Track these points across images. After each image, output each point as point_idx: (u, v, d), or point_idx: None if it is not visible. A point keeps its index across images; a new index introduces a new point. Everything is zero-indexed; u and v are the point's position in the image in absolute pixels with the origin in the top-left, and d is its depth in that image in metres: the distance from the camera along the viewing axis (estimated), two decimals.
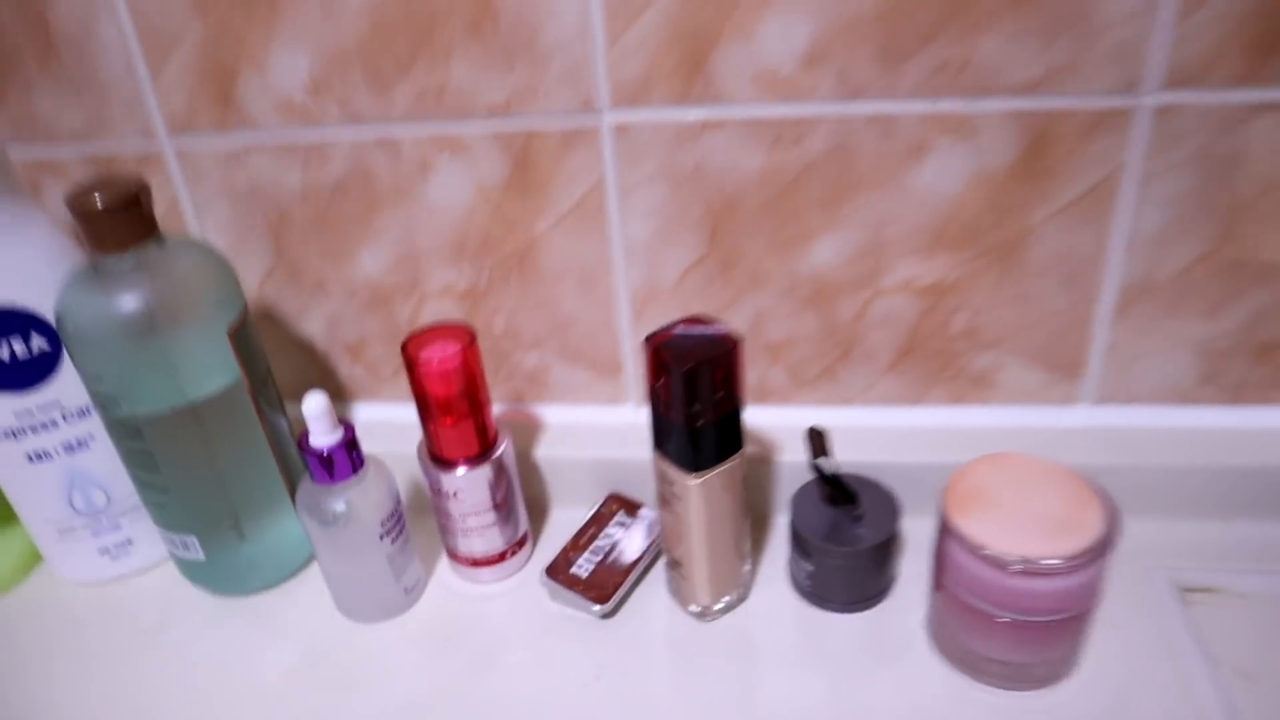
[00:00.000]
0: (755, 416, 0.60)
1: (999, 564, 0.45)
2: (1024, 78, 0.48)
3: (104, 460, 0.57)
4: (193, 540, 0.55)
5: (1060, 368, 0.57)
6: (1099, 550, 0.45)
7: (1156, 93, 0.48)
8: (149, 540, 0.60)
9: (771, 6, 0.48)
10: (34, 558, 0.63)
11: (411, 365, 0.51)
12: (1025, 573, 0.45)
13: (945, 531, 0.47)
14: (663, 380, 0.46)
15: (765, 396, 0.61)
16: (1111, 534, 0.45)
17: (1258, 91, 0.47)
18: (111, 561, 0.60)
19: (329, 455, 0.50)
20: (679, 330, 0.47)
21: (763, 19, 0.48)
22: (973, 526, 0.46)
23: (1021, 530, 0.45)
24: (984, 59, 0.48)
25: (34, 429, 0.55)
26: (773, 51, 0.49)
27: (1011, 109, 0.49)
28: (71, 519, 0.58)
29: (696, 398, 0.46)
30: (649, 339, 0.47)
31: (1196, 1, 0.46)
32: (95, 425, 0.56)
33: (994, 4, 0.47)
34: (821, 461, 0.51)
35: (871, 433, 0.58)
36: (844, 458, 0.55)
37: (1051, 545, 0.44)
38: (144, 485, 0.54)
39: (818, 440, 0.52)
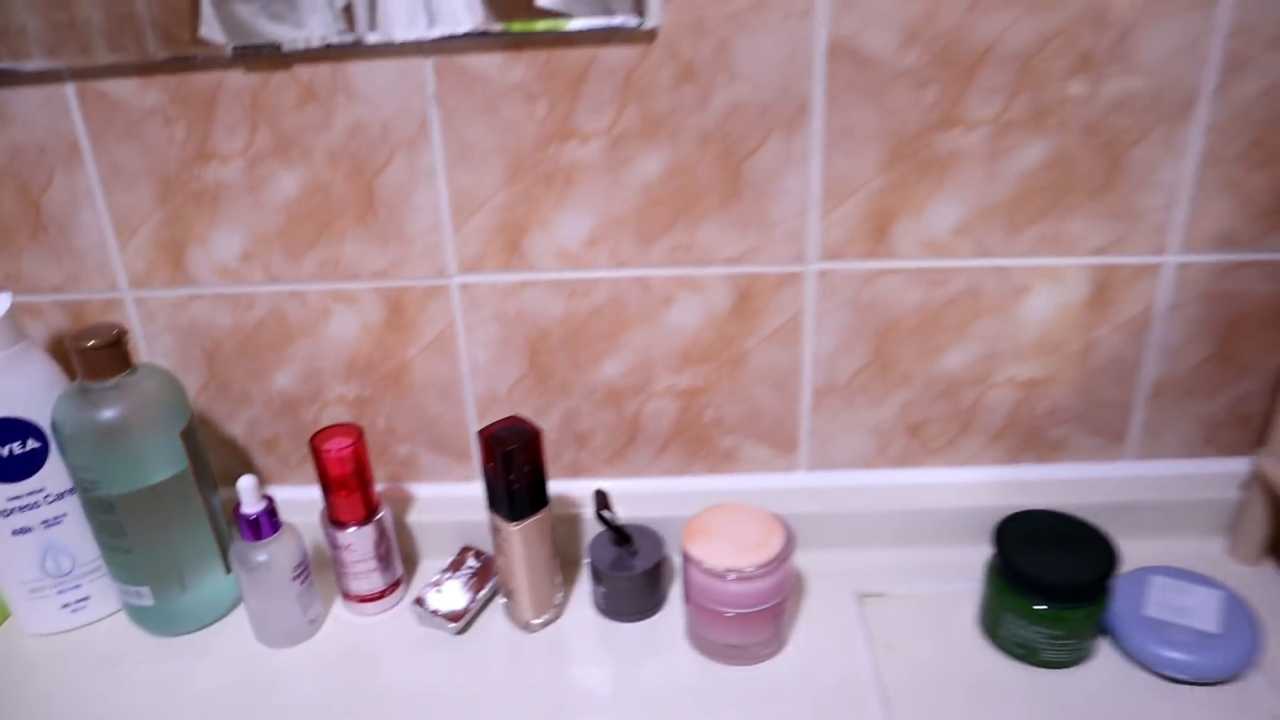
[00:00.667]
0: (570, 487, 0.82)
1: (716, 574, 0.68)
2: (730, 254, 0.74)
3: (73, 532, 0.75)
4: (145, 590, 0.74)
5: (781, 445, 0.82)
6: (780, 559, 0.68)
7: (816, 262, 0.74)
8: (102, 597, 0.78)
9: (563, 208, 0.73)
10: (1, 616, 0.79)
11: (316, 453, 0.72)
12: (735, 579, 0.68)
13: (685, 558, 0.70)
14: (491, 460, 0.69)
15: (577, 471, 0.84)
16: (788, 549, 0.69)
17: (876, 262, 0.74)
18: (71, 614, 0.78)
19: (256, 519, 0.70)
20: (501, 427, 0.70)
21: (558, 216, 0.73)
22: (699, 550, 0.69)
23: (730, 550, 0.69)
24: (704, 242, 0.74)
25: (21, 509, 0.73)
26: (565, 236, 0.74)
27: (725, 273, 0.75)
28: (42, 581, 0.76)
29: (512, 470, 0.68)
30: (481, 432, 0.69)
31: (834, 204, 0.72)
32: (69, 505, 0.74)
33: (706, 207, 0.72)
34: (604, 513, 0.74)
35: (653, 496, 0.81)
36: (632, 513, 0.78)
37: (748, 558, 0.68)
38: (110, 549, 0.73)
39: (601, 498, 0.75)
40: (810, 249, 0.74)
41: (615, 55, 0.68)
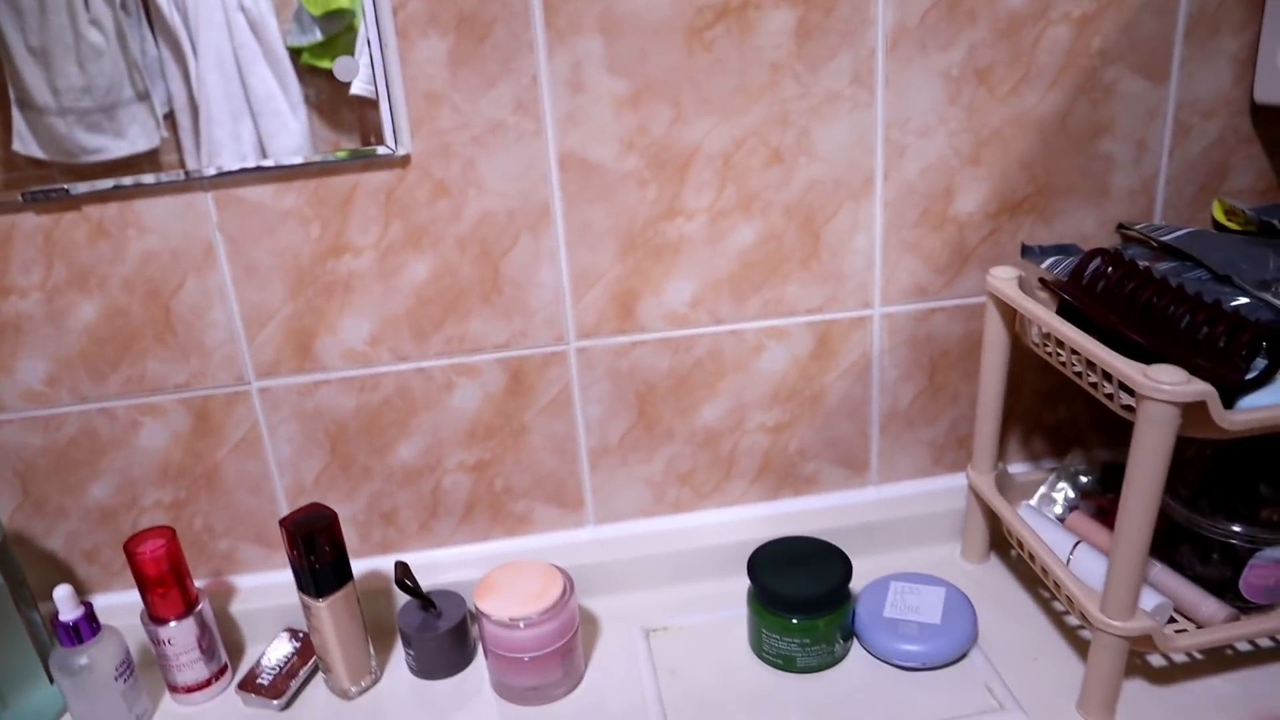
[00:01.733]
0: (382, 563, 0.90)
1: (505, 624, 0.77)
2: (499, 340, 0.84)
3: None
4: None
5: (568, 505, 0.92)
6: (561, 604, 0.78)
7: (575, 341, 0.85)
8: None
9: (344, 314, 0.82)
10: None
11: (131, 556, 0.78)
12: (524, 626, 0.77)
13: (479, 613, 0.79)
14: (293, 544, 0.76)
15: (388, 548, 0.91)
16: (567, 594, 0.78)
17: (627, 336, 0.86)
18: None
19: (74, 624, 0.75)
20: (300, 514, 0.78)
21: (341, 322, 0.82)
22: (489, 605, 0.78)
23: (515, 601, 0.78)
24: (474, 332, 0.84)
25: None
26: (349, 339, 0.83)
27: (495, 358, 0.85)
28: None
29: (312, 551, 0.76)
30: (281, 521, 0.77)
31: (583, 291, 0.83)
32: None
33: (472, 301, 0.83)
34: (405, 581, 0.82)
35: (460, 562, 0.90)
36: (440, 579, 0.86)
37: (531, 606, 0.77)
38: None
39: (401, 568, 0.83)
40: (568, 330, 0.85)
41: (376, 179, 0.79)
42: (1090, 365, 0.69)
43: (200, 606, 0.81)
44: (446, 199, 0.80)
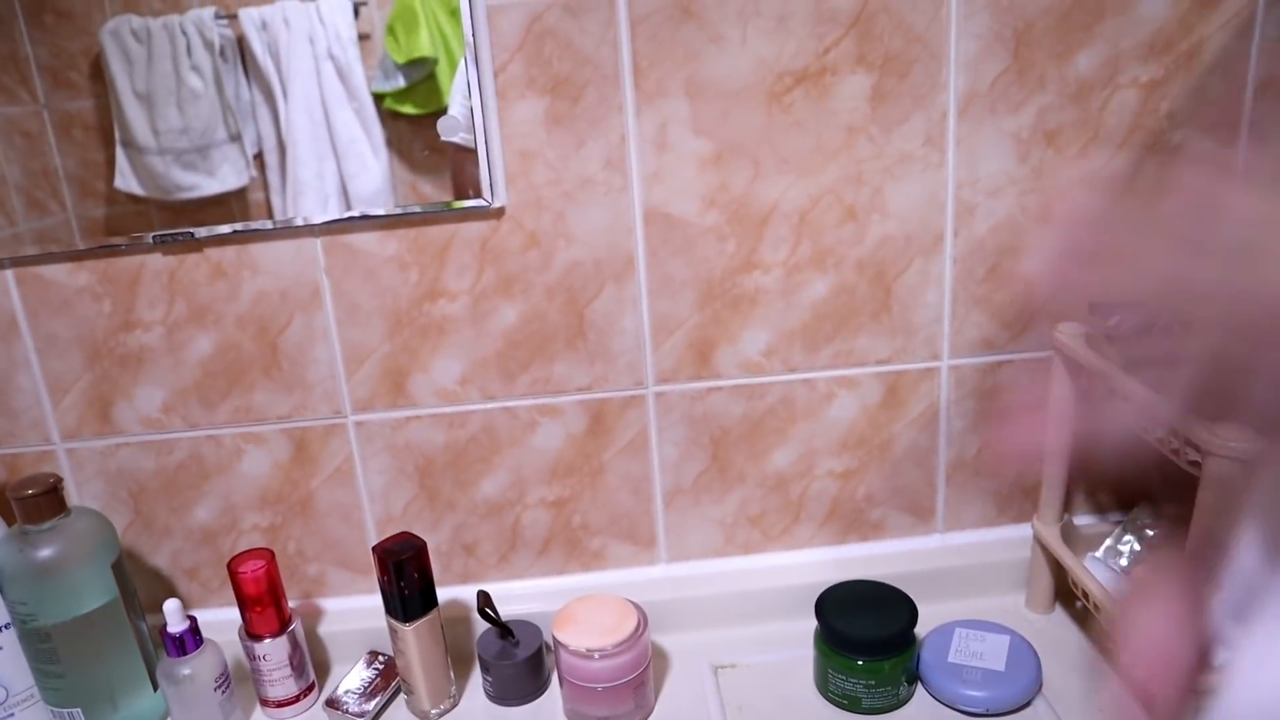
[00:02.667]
0: (462, 592, 0.94)
1: (582, 654, 0.80)
2: (582, 383, 0.89)
3: (8, 664, 0.84)
4: (78, 713, 0.83)
5: (641, 542, 0.96)
6: (635, 637, 0.81)
7: (653, 386, 0.90)
8: None
9: (438, 354, 0.87)
10: None
11: (233, 575, 0.83)
12: (599, 657, 0.80)
13: (556, 643, 0.83)
14: (384, 570, 0.81)
15: (468, 578, 0.96)
16: (641, 628, 0.82)
17: (703, 383, 0.89)
18: None
19: (180, 637, 0.81)
20: (393, 543, 0.82)
21: (433, 361, 0.87)
22: (566, 636, 0.81)
23: (591, 634, 0.81)
24: (558, 375, 0.89)
25: None
26: (441, 377, 0.88)
27: (579, 400, 0.89)
28: None
29: (402, 577, 0.80)
30: (375, 548, 0.82)
31: (663, 338, 0.88)
32: (5, 638, 0.84)
33: (558, 346, 0.87)
34: (486, 610, 0.86)
35: (535, 594, 0.94)
36: (517, 610, 0.90)
37: (607, 639, 0.80)
38: (44, 674, 0.82)
39: (483, 598, 0.87)
40: (648, 375, 0.89)
41: (472, 229, 0.84)
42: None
43: (293, 626, 0.86)
44: (537, 249, 0.85)
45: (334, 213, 0.82)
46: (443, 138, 0.81)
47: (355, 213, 0.82)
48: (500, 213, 0.83)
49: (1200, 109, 0.86)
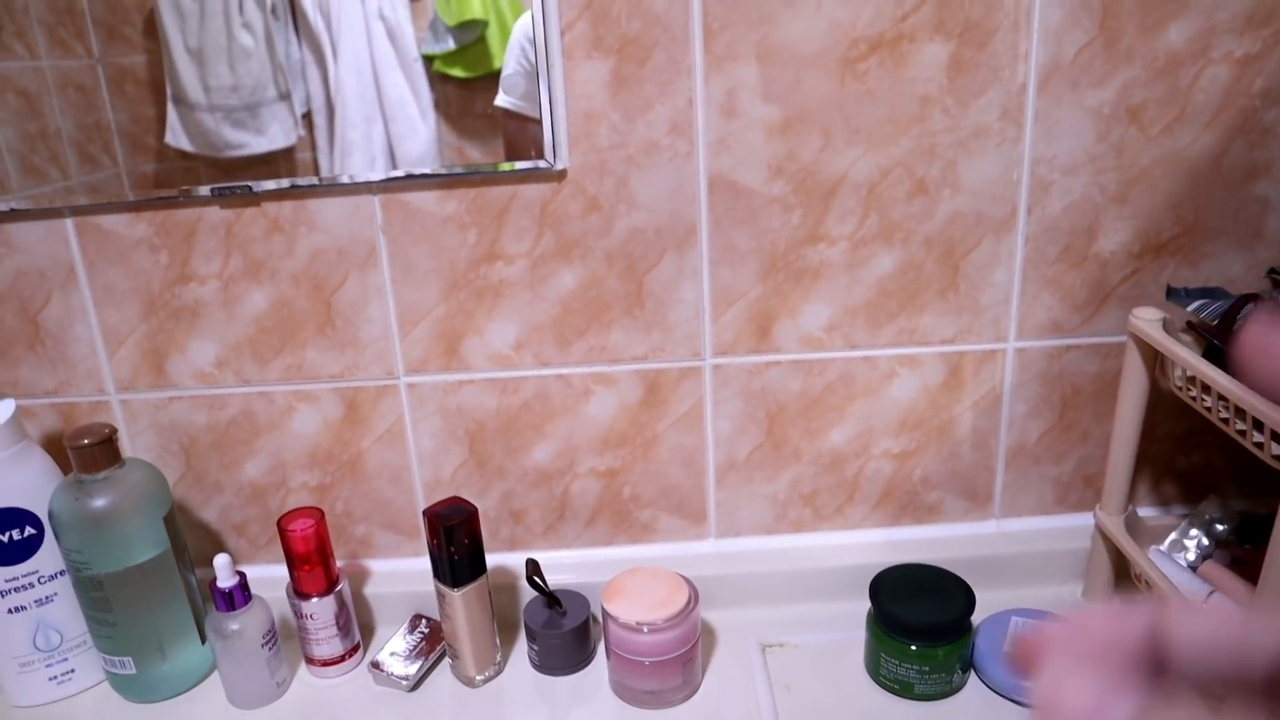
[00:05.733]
0: (509, 559, 0.93)
1: (631, 627, 0.79)
2: (637, 352, 0.87)
3: (62, 610, 0.85)
4: (128, 660, 0.84)
5: (691, 517, 0.94)
6: (686, 613, 0.80)
7: (711, 358, 0.88)
8: (86, 669, 0.87)
9: (493, 318, 0.86)
10: None
11: (283, 532, 0.83)
12: (648, 631, 0.79)
13: (605, 615, 0.82)
14: (434, 534, 0.80)
15: (515, 545, 0.95)
16: (692, 604, 0.80)
17: (761, 356, 0.87)
18: (58, 686, 0.87)
19: (230, 592, 0.80)
20: (443, 506, 0.82)
21: (489, 325, 0.86)
22: (616, 608, 0.80)
23: (642, 607, 0.80)
24: (615, 344, 0.87)
25: (16, 590, 0.83)
26: (497, 341, 0.87)
27: (634, 369, 0.88)
28: (32, 655, 0.85)
29: (452, 542, 0.80)
30: (426, 511, 0.81)
31: (723, 310, 0.86)
32: (60, 585, 0.84)
33: (615, 314, 0.86)
34: (535, 578, 0.86)
35: (583, 564, 0.93)
36: (564, 580, 0.89)
37: (657, 613, 0.79)
38: (97, 622, 0.83)
39: (532, 566, 0.86)
40: (705, 347, 0.87)
41: (532, 191, 0.82)
42: (1239, 412, 0.68)
43: (340, 586, 0.85)
44: (598, 213, 0.83)
45: (381, 174, 0.81)
46: (502, 96, 0.79)
47: (415, 171, 0.81)
48: (562, 175, 0.82)
49: None
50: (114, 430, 0.80)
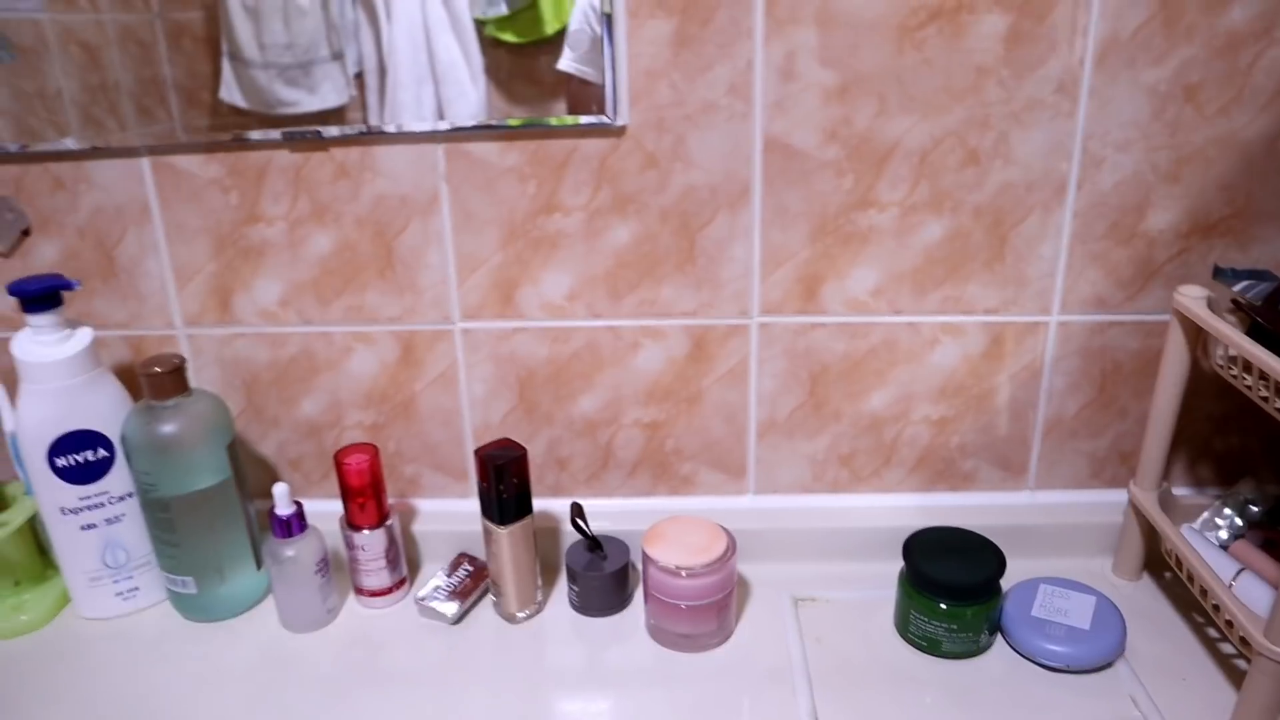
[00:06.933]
0: (553, 504, 0.96)
1: (670, 571, 0.82)
2: (687, 308, 0.90)
3: (130, 530, 0.89)
4: (190, 580, 0.88)
5: (731, 472, 0.97)
6: (724, 560, 0.82)
7: (758, 317, 0.90)
8: (150, 587, 0.92)
9: (548, 269, 0.88)
10: (61, 603, 0.93)
11: (339, 466, 0.86)
12: (686, 575, 0.82)
13: (645, 558, 0.84)
14: (484, 473, 0.83)
15: (559, 491, 0.98)
16: (730, 552, 0.83)
17: (808, 318, 0.90)
18: (123, 602, 0.91)
19: (287, 520, 0.84)
20: (494, 448, 0.85)
21: (544, 275, 0.89)
22: (656, 552, 0.83)
23: (681, 552, 0.83)
24: (665, 298, 0.89)
25: (89, 508, 0.87)
26: (550, 291, 0.89)
27: (682, 324, 0.90)
28: (101, 571, 0.90)
29: (501, 481, 0.83)
30: (477, 451, 0.84)
31: (772, 270, 0.88)
32: (128, 506, 0.88)
33: (667, 270, 0.88)
34: (578, 521, 0.89)
35: (623, 513, 0.95)
36: (604, 527, 0.92)
37: (696, 558, 0.82)
38: (162, 543, 0.87)
39: (576, 509, 0.89)
40: (753, 306, 0.90)
41: (592, 146, 0.85)
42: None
43: (391, 521, 0.89)
44: (655, 170, 0.85)
45: (447, 125, 0.83)
46: (566, 56, 0.81)
47: (479, 121, 0.83)
48: (622, 131, 0.84)
49: None
50: (183, 360, 0.84)
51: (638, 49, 0.82)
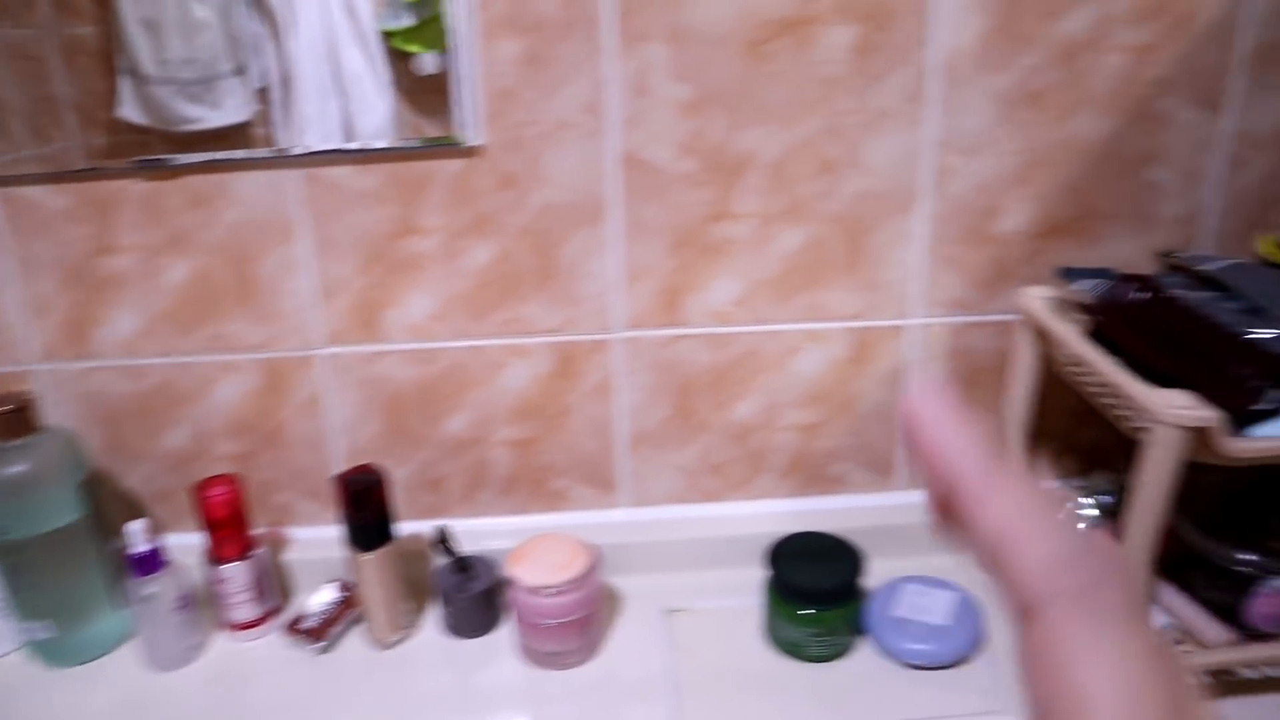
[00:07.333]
0: (426, 525, 0.95)
1: (532, 590, 0.82)
2: (550, 325, 0.90)
3: None
4: (50, 624, 0.86)
5: (603, 486, 0.97)
6: (585, 576, 0.82)
7: (621, 331, 0.90)
8: (4, 636, 0.88)
9: (410, 290, 0.88)
10: None
11: (199, 499, 0.85)
12: (548, 594, 0.82)
13: (510, 579, 0.84)
14: (344, 500, 0.82)
15: (434, 513, 0.97)
16: (592, 568, 0.83)
17: (671, 330, 0.90)
18: None
19: (142, 558, 0.82)
20: (353, 474, 0.84)
21: (406, 297, 0.88)
22: (518, 572, 0.83)
23: (543, 570, 0.82)
24: (528, 316, 0.89)
25: None
26: (413, 314, 0.89)
27: (546, 342, 0.90)
28: None
29: (361, 507, 0.82)
30: (336, 478, 0.83)
31: (633, 284, 0.88)
32: None
33: (528, 289, 0.88)
34: (442, 544, 0.88)
35: (498, 532, 0.95)
36: (480, 546, 0.91)
37: (557, 576, 0.82)
38: (15, 588, 0.84)
39: (440, 532, 0.88)
40: (615, 320, 0.90)
41: (449, 167, 0.84)
42: (1107, 387, 0.72)
43: (257, 551, 0.87)
44: (512, 189, 0.85)
45: (300, 149, 0.82)
46: (415, 71, 0.81)
47: (333, 146, 0.82)
48: (477, 151, 0.83)
49: (1189, 76, 0.85)
50: (30, 398, 0.82)
51: (490, 68, 0.81)
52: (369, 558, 0.83)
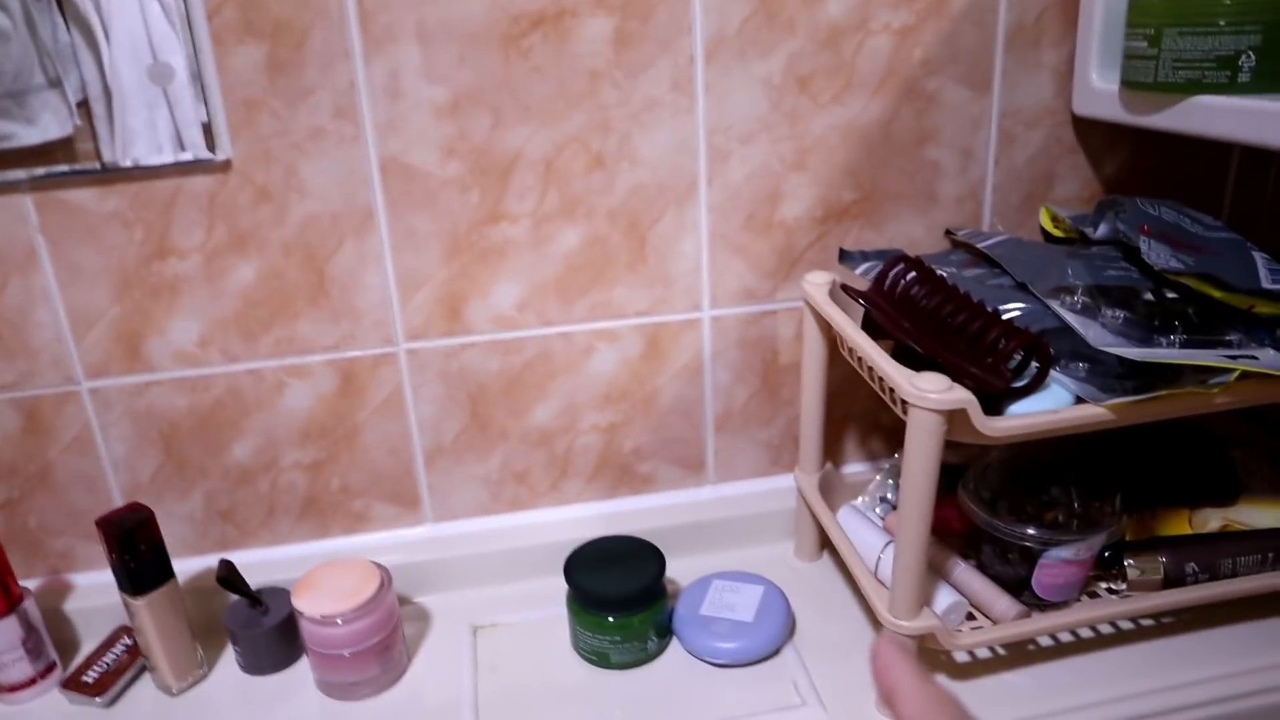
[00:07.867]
0: (214, 561, 0.91)
1: (319, 620, 0.78)
2: (328, 342, 0.86)
3: None
4: None
5: (406, 503, 0.94)
6: (374, 602, 0.79)
7: (404, 344, 0.87)
8: None
9: (172, 316, 0.83)
10: None
11: None
12: (341, 622, 0.78)
13: (297, 612, 0.80)
14: (110, 543, 0.77)
15: (226, 545, 0.92)
16: (383, 591, 0.80)
17: (455, 339, 0.87)
18: None
19: None
20: (118, 514, 0.79)
21: (169, 324, 0.83)
22: (305, 603, 0.79)
23: (330, 599, 0.79)
24: (304, 335, 0.85)
25: None
26: (180, 340, 0.84)
27: (326, 359, 0.86)
28: None
29: (129, 549, 0.77)
30: (98, 521, 0.78)
31: (411, 294, 0.85)
32: None
33: (300, 307, 0.84)
34: (224, 578, 0.84)
35: (297, 560, 0.91)
36: (275, 578, 0.87)
37: (346, 603, 0.78)
38: None
39: (224, 566, 0.84)
40: (397, 332, 0.86)
41: (197, 184, 0.80)
42: (874, 370, 0.71)
43: (24, 605, 0.82)
44: (270, 204, 0.81)
45: (24, 173, 0.77)
46: (151, 83, 0.76)
47: (62, 168, 0.77)
48: (226, 166, 0.79)
49: (953, 56, 0.85)
50: None
51: (230, 78, 0.77)
52: (143, 601, 0.79)
